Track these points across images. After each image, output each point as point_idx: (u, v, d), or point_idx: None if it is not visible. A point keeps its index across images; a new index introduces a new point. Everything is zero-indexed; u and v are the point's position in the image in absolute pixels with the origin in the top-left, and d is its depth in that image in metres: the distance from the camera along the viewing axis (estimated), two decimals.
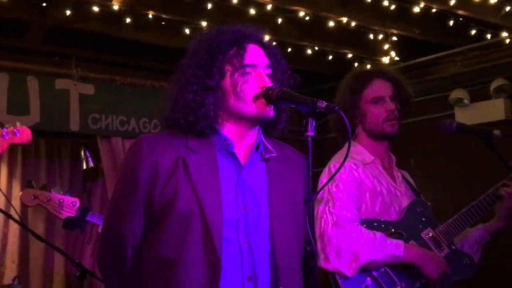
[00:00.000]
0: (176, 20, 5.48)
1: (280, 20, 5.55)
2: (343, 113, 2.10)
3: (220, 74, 2.24)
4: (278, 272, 2.18)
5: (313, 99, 2.10)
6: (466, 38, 6.13)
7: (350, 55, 6.57)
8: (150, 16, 5.41)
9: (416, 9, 5.53)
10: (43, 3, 5.09)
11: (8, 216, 4.25)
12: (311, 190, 2.09)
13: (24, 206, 3.62)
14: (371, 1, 5.48)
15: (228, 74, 2.25)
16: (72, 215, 3.55)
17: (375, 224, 3.18)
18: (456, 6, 5.43)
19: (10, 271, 6.28)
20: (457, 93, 6.26)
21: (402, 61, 6.49)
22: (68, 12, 5.12)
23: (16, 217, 4.03)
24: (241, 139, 2.29)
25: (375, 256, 3.07)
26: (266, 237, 2.21)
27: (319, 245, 3.13)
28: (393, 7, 5.53)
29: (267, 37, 2.42)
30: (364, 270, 3.10)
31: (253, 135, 2.32)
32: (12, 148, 6.33)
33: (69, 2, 5.12)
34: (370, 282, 3.08)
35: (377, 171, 3.31)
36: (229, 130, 2.28)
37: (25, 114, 5.86)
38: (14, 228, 6.46)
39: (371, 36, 6.12)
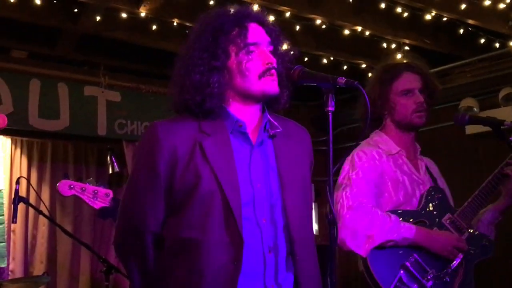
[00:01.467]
0: None
1: (297, 28, 5.70)
2: (368, 101, 2.21)
3: (225, 55, 2.26)
4: (293, 244, 2.20)
5: (333, 76, 2.19)
6: (475, 47, 6.25)
7: (364, 65, 6.68)
8: (175, 23, 5.57)
9: (428, 17, 5.65)
10: (75, 9, 5.24)
11: (38, 211, 4.40)
12: (332, 164, 2.13)
13: (61, 195, 3.70)
14: (384, 8, 5.59)
15: (232, 54, 2.27)
16: (106, 205, 3.62)
17: (399, 215, 3.21)
18: (466, 14, 5.56)
19: (38, 271, 6.39)
20: (467, 102, 6.34)
21: None
22: (98, 18, 5.26)
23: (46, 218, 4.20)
24: (250, 118, 2.31)
25: (389, 237, 3.11)
26: (279, 212, 2.23)
27: None
28: (405, 14, 5.66)
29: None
30: (396, 262, 3.14)
31: (260, 112, 2.35)
32: (43, 154, 6.57)
33: (99, 8, 5.29)
34: (403, 273, 3.11)
35: (402, 161, 3.34)
36: (237, 108, 2.30)
37: (55, 118, 6.06)
38: (42, 230, 6.61)
39: (384, 45, 6.22)
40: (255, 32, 2.30)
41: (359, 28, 5.86)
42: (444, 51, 6.38)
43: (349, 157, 3.28)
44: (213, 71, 2.24)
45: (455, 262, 3.19)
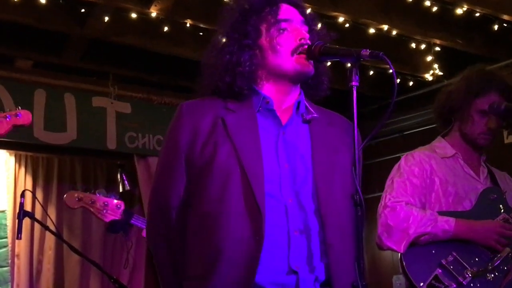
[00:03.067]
0: (214, 30, 5.54)
1: (319, 26, 5.58)
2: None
3: (255, 32, 2.28)
4: (325, 229, 2.18)
5: (357, 49, 2.15)
6: (510, 46, 6.11)
7: (391, 71, 6.51)
8: (188, 25, 5.49)
9: (459, 11, 5.52)
10: (82, 9, 5.18)
11: (45, 227, 4.26)
12: (357, 144, 2.12)
13: (68, 208, 3.59)
14: (412, 3, 5.48)
15: (263, 31, 2.29)
16: (117, 218, 3.56)
17: (447, 215, 3.22)
18: (501, 8, 5.42)
19: None
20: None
21: (445, 78, 6.45)
22: (106, 19, 5.19)
23: (52, 243, 4.05)
24: (281, 99, 2.31)
25: (424, 229, 3.13)
26: (310, 194, 2.21)
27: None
28: (435, 9, 5.53)
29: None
30: (433, 260, 3.13)
31: (294, 95, 2.34)
32: (49, 171, 6.47)
33: (108, 8, 5.23)
34: (440, 272, 3.09)
35: (457, 164, 3.38)
36: (268, 90, 2.31)
37: (62, 131, 5.98)
38: (48, 254, 6.49)
39: (413, 45, 6.10)
40: (287, 10, 2.33)
41: (385, 27, 5.75)
42: (478, 52, 6.24)
43: (399, 161, 3.40)
44: (244, 49, 2.27)
45: (498, 258, 3.14)
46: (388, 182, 3.34)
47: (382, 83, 6.74)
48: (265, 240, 2.08)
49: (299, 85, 2.35)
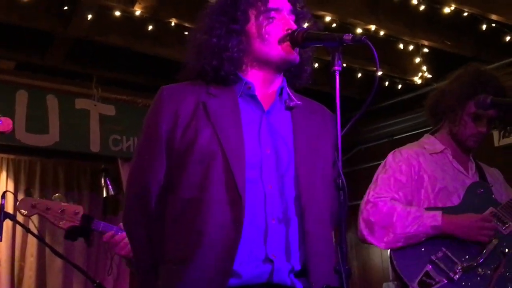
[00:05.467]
0: None
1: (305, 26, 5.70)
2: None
3: (244, 17, 2.33)
4: (304, 217, 2.22)
5: (339, 34, 2.21)
6: (500, 47, 6.24)
7: (380, 73, 6.65)
8: (173, 24, 5.59)
9: (447, 10, 5.65)
10: (65, 7, 5.29)
11: (26, 229, 4.30)
12: (340, 129, 2.13)
13: (23, 216, 3.51)
14: (399, 1, 5.61)
15: (252, 17, 2.34)
16: (76, 224, 3.40)
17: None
18: (488, 8, 5.56)
19: None
20: None
21: (434, 81, 6.57)
22: (89, 17, 5.29)
23: (35, 245, 4.02)
24: (264, 85, 2.37)
25: (412, 230, 3.18)
26: (291, 182, 2.26)
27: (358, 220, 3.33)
28: (422, 8, 5.67)
29: None
30: (423, 257, 3.19)
31: (277, 83, 2.40)
32: (31, 175, 6.53)
33: (92, 7, 5.33)
34: (430, 268, 3.15)
35: (446, 160, 3.44)
36: (253, 76, 2.36)
37: (44, 133, 6.05)
38: (30, 261, 6.53)
39: (401, 46, 6.23)
40: None
41: (372, 27, 5.85)
42: (467, 54, 6.36)
43: (387, 157, 3.46)
44: (232, 34, 2.31)
45: (486, 249, 3.19)
46: (373, 179, 3.40)
47: (370, 86, 6.83)
48: (244, 227, 2.11)
49: (282, 73, 2.42)
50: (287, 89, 2.41)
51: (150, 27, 5.63)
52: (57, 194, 3.55)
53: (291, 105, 2.38)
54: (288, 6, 2.39)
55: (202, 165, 2.17)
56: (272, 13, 2.34)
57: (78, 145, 6.19)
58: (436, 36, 6.15)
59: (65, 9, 5.39)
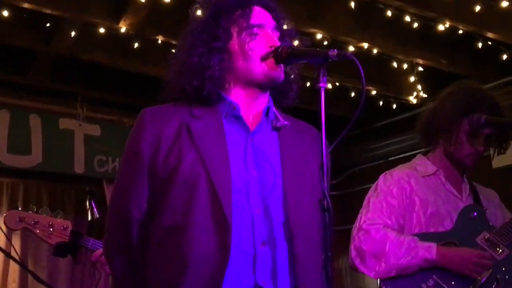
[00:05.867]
0: None
1: (295, 44, 5.61)
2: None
3: (226, 35, 2.29)
4: (293, 241, 2.17)
5: (324, 50, 2.16)
6: (497, 66, 6.15)
7: (374, 92, 6.58)
8: (160, 41, 5.51)
9: (441, 28, 5.57)
10: (47, 23, 5.19)
11: (6, 254, 4.16)
12: (325, 149, 2.10)
13: (9, 230, 3.41)
14: (392, 19, 5.54)
15: (234, 34, 2.30)
16: (64, 240, 3.36)
17: (427, 237, 3.22)
18: (483, 25, 5.49)
19: None
20: None
21: (430, 100, 6.45)
22: (73, 34, 5.20)
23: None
24: (249, 105, 2.32)
25: (405, 261, 3.12)
26: (279, 206, 2.21)
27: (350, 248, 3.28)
28: (415, 25, 5.58)
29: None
30: (414, 285, 3.12)
31: (262, 102, 2.35)
32: (14, 198, 6.40)
33: (75, 23, 5.25)
34: None
35: (438, 182, 3.37)
36: (236, 95, 2.31)
37: (26, 154, 5.95)
38: (12, 287, 6.37)
39: (395, 64, 6.14)
40: (259, 14, 2.33)
41: (365, 45, 5.82)
42: (463, 72, 6.28)
43: (377, 180, 3.40)
44: (213, 52, 2.27)
45: (476, 284, 3.12)
46: (364, 202, 3.32)
47: (364, 106, 6.75)
48: (231, 254, 2.06)
49: (268, 92, 2.36)
50: (274, 109, 2.36)
51: (136, 45, 5.57)
52: (44, 207, 3.49)
53: (278, 126, 2.32)
54: (271, 23, 2.35)
55: (186, 190, 2.13)
56: (255, 30, 2.29)
57: (62, 166, 6.08)
58: (430, 54, 6.11)
59: (48, 26, 5.30)
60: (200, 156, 2.15)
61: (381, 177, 3.36)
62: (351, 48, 5.82)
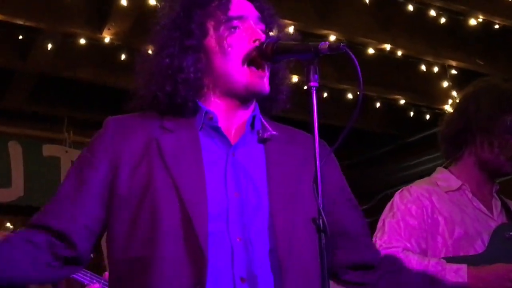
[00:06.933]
0: None
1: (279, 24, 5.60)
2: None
3: (201, 31, 2.22)
4: (283, 273, 2.09)
5: (314, 43, 2.09)
6: None
7: (402, 102, 6.52)
8: (150, 52, 5.50)
9: (473, 22, 5.50)
10: (20, 35, 5.20)
11: None
12: (318, 154, 2.01)
13: None
14: (416, 14, 5.48)
15: (211, 29, 2.23)
16: None
17: (456, 261, 3.13)
18: None
19: None
20: None
21: None
22: (50, 46, 5.23)
23: None
24: (231, 113, 2.25)
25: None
26: (265, 230, 2.13)
27: None
28: (443, 20, 5.52)
29: None
30: None
31: (247, 110, 2.28)
32: None
33: (52, 35, 5.27)
34: None
35: (464, 198, 3.29)
36: (215, 102, 2.24)
37: (5, 186, 5.97)
38: None
39: (423, 67, 6.08)
40: (239, 4, 2.27)
41: (387, 47, 5.77)
42: (504, 74, 6.17)
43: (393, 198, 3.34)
44: (187, 52, 2.19)
45: None
46: (378, 224, 3.24)
47: (393, 118, 6.70)
48: None
49: (253, 101, 2.29)
50: (260, 117, 2.29)
51: (123, 56, 5.58)
52: (7, 224, 3.48)
53: (265, 136, 2.25)
54: (255, 14, 2.27)
55: (154, 216, 2.04)
56: (235, 22, 2.21)
57: (47, 199, 6.03)
58: (464, 54, 6.05)
59: (21, 39, 5.32)
60: (171, 177, 2.08)
61: (397, 195, 3.28)
62: (371, 51, 5.78)
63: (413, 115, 6.83)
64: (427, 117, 6.85)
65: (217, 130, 2.19)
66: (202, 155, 2.13)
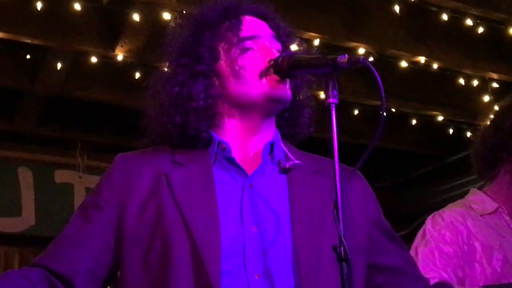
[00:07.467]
0: None
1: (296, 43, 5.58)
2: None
3: (211, 55, 2.20)
4: None
5: (332, 56, 2.06)
6: None
7: (440, 118, 6.46)
8: (165, 69, 5.50)
9: None
10: (27, 54, 5.24)
11: None
12: (338, 176, 1.99)
13: None
14: (451, 24, 5.45)
15: (222, 52, 2.22)
16: None
17: None
18: None
19: None
20: None
21: None
22: (59, 65, 5.24)
23: None
24: (247, 142, 2.23)
25: None
26: (288, 267, 2.10)
27: None
28: (480, 30, 5.47)
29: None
30: None
31: (266, 136, 2.25)
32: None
33: (62, 54, 5.30)
34: None
35: (501, 221, 3.25)
36: (232, 130, 2.23)
37: (16, 216, 5.98)
38: None
39: (462, 81, 6.02)
40: (252, 24, 2.26)
41: (422, 59, 5.72)
42: None
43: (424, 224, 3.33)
44: (197, 78, 2.18)
45: None
46: (411, 253, 3.15)
47: (431, 136, 6.63)
48: None
49: (273, 122, 2.27)
50: (282, 144, 2.27)
51: (138, 75, 5.58)
52: None
53: (286, 166, 2.19)
54: (269, 32, 2.25)
55: (163, 257, 2.03)
56: (247, 43, 2.19)
57: (59, 229, 6.04)
58: (505, 65, 5.99)
59: (29, 58, 5.35)
60: (181, 214, 2.06)
61: (429, 220, 3.23)
62: (404, 64, 5.74)
63: (452, 133, 6.77)
64: (468, 134, 6.77)
65: (231, 161, 2.17)
66: (215, 188, 2.11)
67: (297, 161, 2.19)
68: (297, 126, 2.31)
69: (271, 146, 2.22)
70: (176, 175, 2.13)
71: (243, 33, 2.20)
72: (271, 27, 2.28)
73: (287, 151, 2.24)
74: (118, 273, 2.20)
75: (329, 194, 2.11)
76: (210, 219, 2.05)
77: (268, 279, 2.06)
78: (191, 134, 2.16)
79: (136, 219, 2.09)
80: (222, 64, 2.20)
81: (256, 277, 2.04)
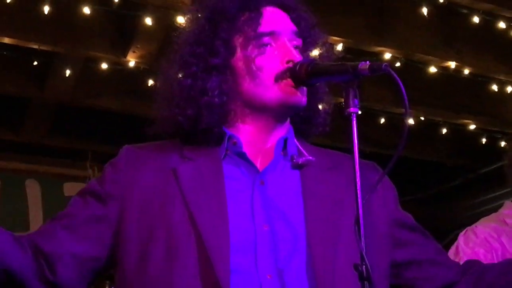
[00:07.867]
0: None
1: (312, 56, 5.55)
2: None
3: (226, 48, 2.19)
4: None
5: (353, 63, 2.04)
6: None
7: (472, 127, 6.41)
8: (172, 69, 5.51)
9: None
10: (34, 60, 5.24)
11: None
12: (360, 191, 1.95)
13: None
14: (482, 27, 5.40)
15: (238, 47, 2.20)
16: None
17: None
18: None
19: None
20: None
21: None
22: (68, 72, 5.24)
23: None
24: (258, 138, 2.23)
25: None
26: (302, 267, 2.09)
27: None
28: None
29: None
30: None
31: (278, 133, 2.25)
32: None
33: (71, 60, 5.30)
34: None
35: None
36: (244, 128, 2.22)
37: (23, 230, 5.94)
38: None
39: (495, 87, 5.97)
40: (272, 17, 2.24)
41: (452, 64, 5.68)
42: None
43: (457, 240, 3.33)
44: (211, 72, 2.18)
45: None
46: None
47: (463, 146, 6.57)
48: None
49: (288, 120, 2.26)
50: (295, 140, 2.26)
51: (150, 82, 5.56)
52: None
53: (300, 162, 2.20)
54: (289, 27, 2.23)
55: (169, 253, 2.03)
56: (265, 39, 2.18)
57: None
58: None
59: (36, 64, 5.35)
60: (188, 210, 2.06)
61: (461, 237, 3.24)
62: (433, 69, 5.71)
63: (485, 142, 6.74)
64: (502, 144, 6.71)
65: (242, 156, 2.18)
66: (224, 184, 2.12)
67: (310, 157, 2.21)
68: (313, 124, 2.32)
69: (284, 141, 2.22)
70: (184, 170, 2.13)
71: (261, 28, 2.19)
72: (293, 20, 2.27)
73: (300, 147, 2.25)
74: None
75: (345, 190, 2.16)
76: (218, 215, 2.06)
77: (280, 279, 2.06)
78: (203, 128, 2.15)
79: (137, 214, 2.09)
80: (238, 60, 2.20)
81: (268, 277, 2.04)
